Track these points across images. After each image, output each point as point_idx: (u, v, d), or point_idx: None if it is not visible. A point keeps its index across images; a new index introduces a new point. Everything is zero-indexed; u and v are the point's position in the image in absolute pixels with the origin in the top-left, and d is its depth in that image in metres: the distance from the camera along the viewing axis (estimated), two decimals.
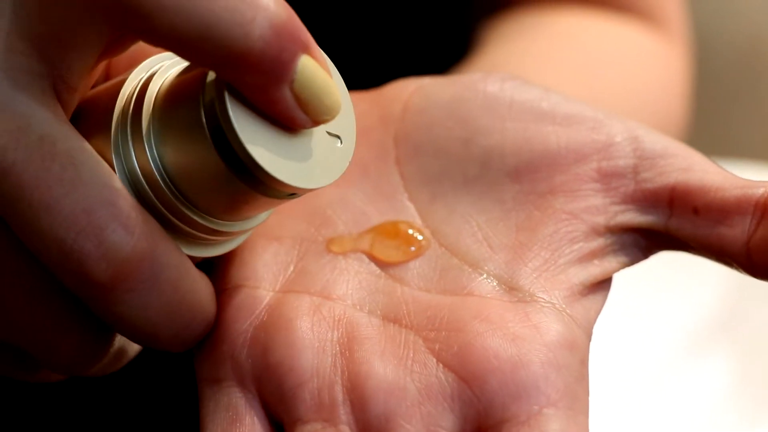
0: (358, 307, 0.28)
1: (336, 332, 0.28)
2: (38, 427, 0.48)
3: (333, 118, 0.26)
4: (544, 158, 0.30)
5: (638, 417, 0.64)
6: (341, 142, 0.27)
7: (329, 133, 0.27)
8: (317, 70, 0.25)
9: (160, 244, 0.25)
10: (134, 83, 0.27)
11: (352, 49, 0.47)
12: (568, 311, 0.28)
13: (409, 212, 0.31)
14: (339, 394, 0.27)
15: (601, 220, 0.29)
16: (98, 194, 0.24)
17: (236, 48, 0.24)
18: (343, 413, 0.26)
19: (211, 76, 0.25)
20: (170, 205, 0.26)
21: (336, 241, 0.30)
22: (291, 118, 0.25)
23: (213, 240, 0.28)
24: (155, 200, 0.26)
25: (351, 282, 0.29)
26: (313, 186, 0.26)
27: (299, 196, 0.27)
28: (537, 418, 0.26)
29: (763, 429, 0.62)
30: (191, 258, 0.27)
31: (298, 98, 0.25)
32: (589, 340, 0.28)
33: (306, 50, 0.25)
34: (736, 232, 0.28)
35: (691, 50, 0.56)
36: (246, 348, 0.28)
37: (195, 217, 0.27)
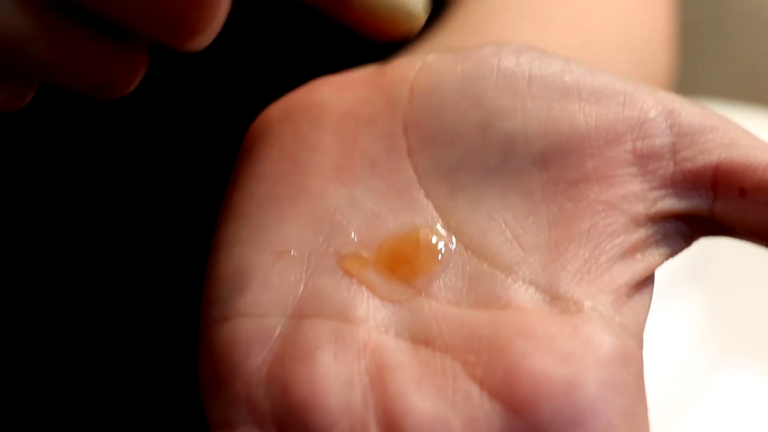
0: (383, 330, 0.25)
1: (363, 361, 0.24)
2: (38, 426, 0.45)
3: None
4: (573, 141, 0.27)
5: None
6: None
7: None
8: None
9: None
10: None
11: None
12: (617, 318, 0.25)
13: (427, 210, 0.27)
14: None
15: (640, 208, 0.26)
16: None
17: None
18: None
19: None
20: None
21: (349, 260, 0.26)
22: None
23: None
24: None
25: (371, 299, 0.26)
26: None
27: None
28: None
29: (731, 372, 0.62)
30: None
31: None
32: (642, 348, 0.25)
33: None
34: None
35: None
36: (263, 387, 0.24)
37: None
